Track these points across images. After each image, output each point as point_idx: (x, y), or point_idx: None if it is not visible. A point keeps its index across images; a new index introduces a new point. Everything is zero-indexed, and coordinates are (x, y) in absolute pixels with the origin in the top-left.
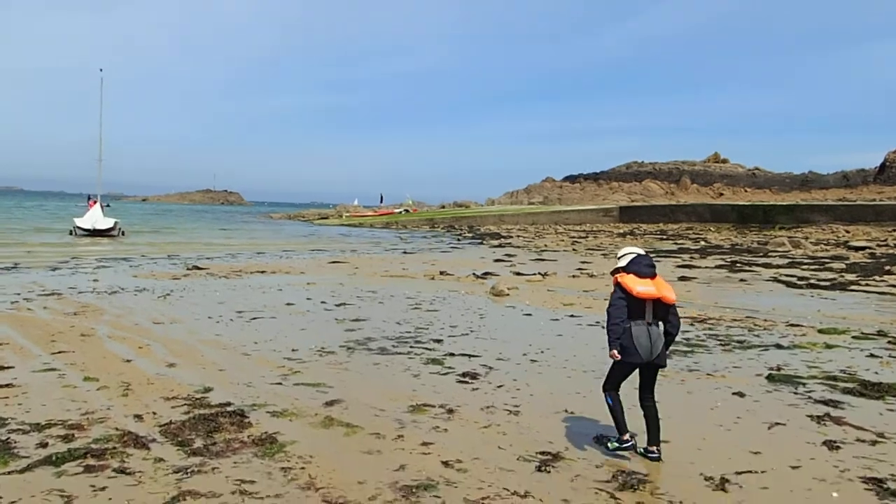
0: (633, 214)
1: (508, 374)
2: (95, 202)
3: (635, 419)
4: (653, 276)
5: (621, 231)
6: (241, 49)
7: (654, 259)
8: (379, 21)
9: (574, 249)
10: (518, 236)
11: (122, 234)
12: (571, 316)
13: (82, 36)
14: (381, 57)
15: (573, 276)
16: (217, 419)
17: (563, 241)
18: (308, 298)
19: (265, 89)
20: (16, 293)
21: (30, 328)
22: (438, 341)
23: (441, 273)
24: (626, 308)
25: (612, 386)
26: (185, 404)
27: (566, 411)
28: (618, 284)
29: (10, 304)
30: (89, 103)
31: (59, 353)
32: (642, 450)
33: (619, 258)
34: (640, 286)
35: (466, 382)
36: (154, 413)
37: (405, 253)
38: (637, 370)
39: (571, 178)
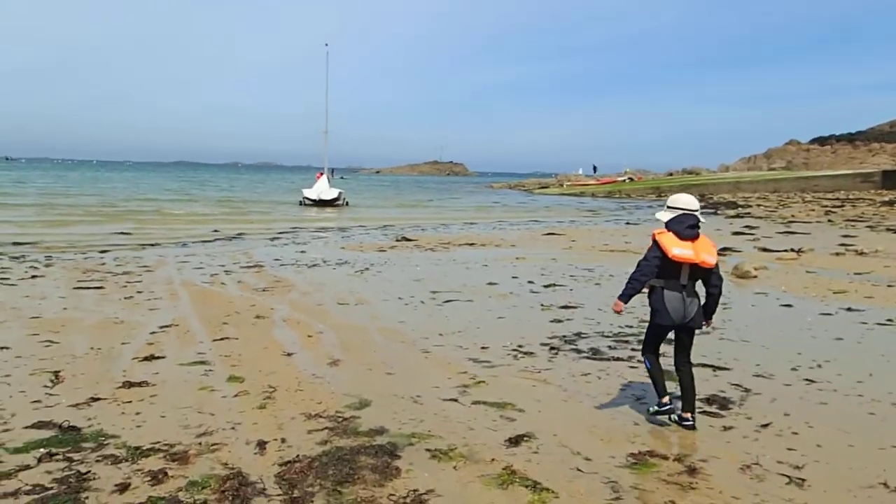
0: None
1: (775, 404)
2: (322, 174)
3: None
4: (694, 237)
5: (886, 199)
6: (469, 24)
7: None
8: None
9: (830, 221)
10: (758, 205)
11: (346, 203)
12: (848, 310)
13: (310, 14)
14: (600, 22)
15: (836, 254)
16: (357, 459)
17: (813, 210)
18: (514, 277)
19: (491, 61)
20: (220, 265)
21: (210, 306)
22: (667, 342)
23: None
24: (657, 268)
25: (649, 349)
26: (326, 428)
27: (885, 485)
28: (655, 242)
29: (209, 276)
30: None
31: (222, 339)
32: (677, 416)
33: (665, 208)
34: (676, 248)
35: (713, 415)
36: (283, 440)
37: (628, 224)
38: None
39: (821, 140)
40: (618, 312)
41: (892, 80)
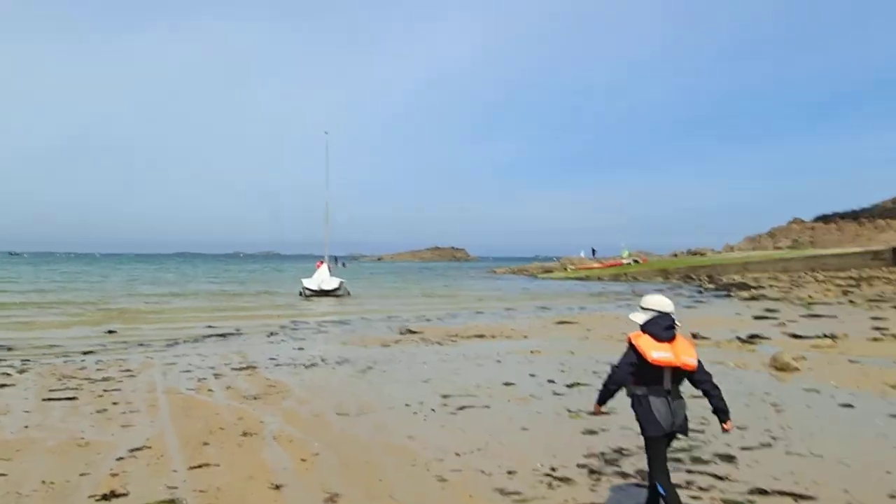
0: None
1: None
2: (322, 262)
3: None
4: (671, 339)
5: None
6: (465, 105)
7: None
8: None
9: (851, 302)
10: (771, 286)
11: (348, 293)
12: None
13: (311, 103)
14: (592, 99)
15: (874, 340)
16: None
17: (829, 290)
18: (531, 375)
19: (488, 141)
20: (210, 367)
21: (193, 420)
22: (728, 458)
23: (693, 336)
24: (630, 375)
25: (658, 472)
26: None
27: None
28: (631, 346)
29: (196, 381)
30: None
31: (200, 466)
32: None
33: (641, 308)
34: (655, 352)
35: None
36: None
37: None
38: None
39: (825, 218)
40: (597, 413)
41: (893, 154)
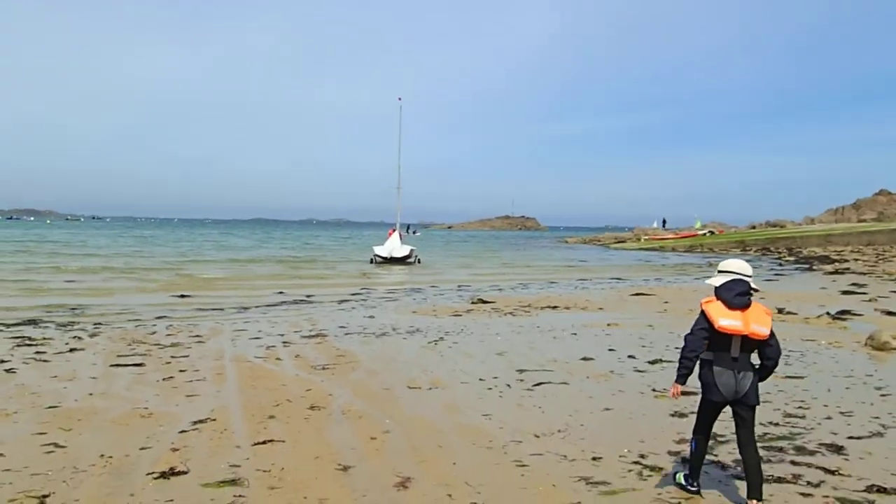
0: None
1: None
2: (394, 230)
3: None
4: (745, 306)
5: None
6: (540, 76)
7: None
8: (665, 41)
9: None
10: (855, 260)
11: (419, 261)
12: None
13: (386, 70)
14: (667, 78)
15: None
16: None
17: None
18: (610, 349)
19: (559, 115)
20: (280, 334)
21: (259, 391)
22: (836, 449)
23: (779, 311)
24: (705, 340)
25: (699, 429)
26: None
27: None
28: (702, 312)
29: (264, 349)
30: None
31: (265, 442)
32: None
33: (718, 272)
34: (723, 319)
35: None
36: None
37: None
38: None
39: None
40: (674, 396)
41: None
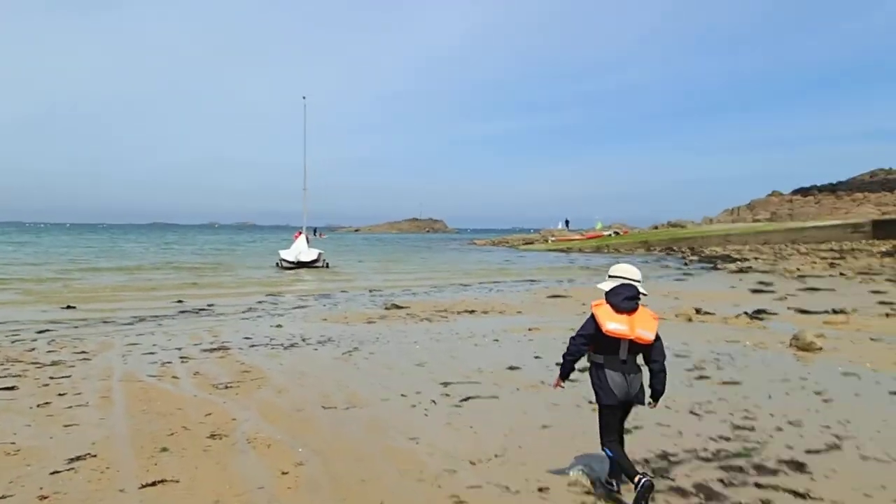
0: (890, 229)
1: None
2: (301, 233)
3: None
4: (632, 310)
5: (883, 249)
6: (448, 77)
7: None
8: (566, 44)
9: (842, 274)
10: (755, 258)
11: (327, 265)
12: None
13: (298, 77)
14: (570, 79)
15: (886, 315)
16: None
17: (815, 263)
18: (536, 356)
19: (468, 116)
20: (177, 347)
21: (150, 418)
22: (797, 466)
23: (696, 311)
24: (586, 345)
25: (607, 436)
26: None
27: None
28: (591, 315)
29: (159, 366)
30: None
31: (155, 484)
32: (604, 481)
33: (609, 277)
34: (610, 323)
35: None
36: None
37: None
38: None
39: (803, 191)
40: (556, 387)
41: (869, 130)
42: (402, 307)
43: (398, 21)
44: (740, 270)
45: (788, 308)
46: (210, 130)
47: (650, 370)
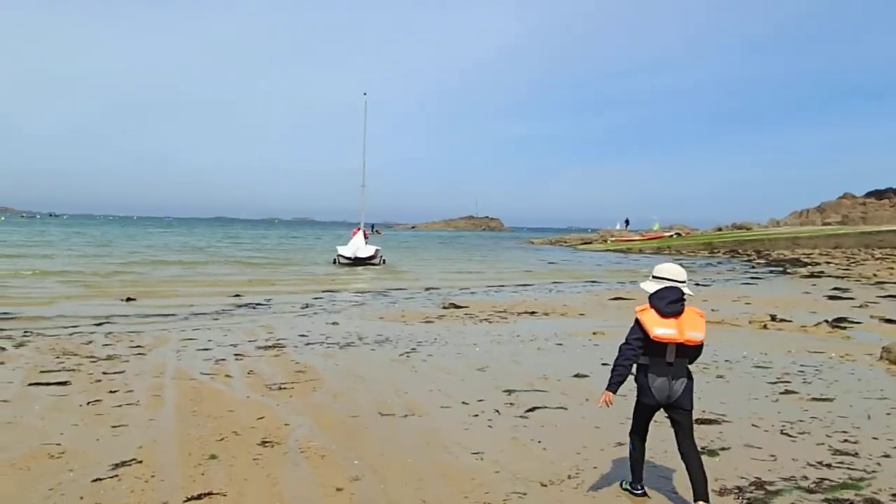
0: None
1: None
2: (359, 230)
3: None
4: (678, 313)
5: None
6: (504, 75)
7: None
8: (622, 45)
9: None
10: (827, 263)
11: (384, 262)
12: None
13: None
14: (632, 77)
15: None
16: None
17: (893, 269)
18: (604, 363)
19: (524, 115)
20: (232, 344)
21: (201, 420)
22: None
23: (772, 318)
24: (640, 350)
25: (635, 431)
26: None
27: None
28: (637, 321)
29: (213, 363)
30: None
31: (200, 497)
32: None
33: (653, 278)
34: (658, 328)
35: None
36: None
37: (698, 286)
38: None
39: (877, 193)
40: (606, 404)
41: None
42: (460, 307)
43: (448, 19)
44: (812, 275)
45: (871, 317)
46: (272, 130)
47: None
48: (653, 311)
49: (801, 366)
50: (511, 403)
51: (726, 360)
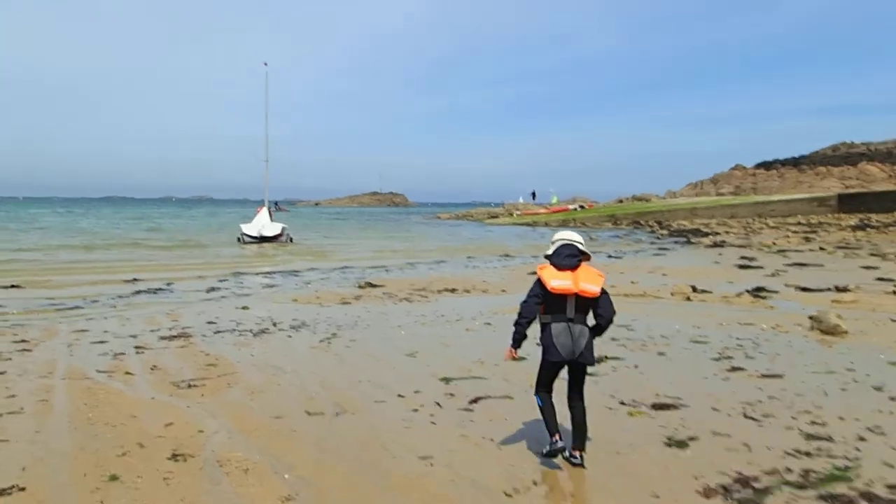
0: (856, 203)
1: None
2: (263, 207)
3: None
4: (573, 266)
5: (852, 223)
6: (407, 49)
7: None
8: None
9: (822, 249)
10: (726, 232)
11: (291, 240)
12: None
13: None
14: (535, 50)
15: (893, 293)
16: None
17: (788, 238)
18: (538, 344)
19: (426, 89)
20: (132, 335)
21: (98, 430)
22: None
23: (693, 289)
24: (538, 305)
25: (541, 387)
26: None
27: None
28: (537, 278)
29: (110, 358)
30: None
31: None
32: (567, 454)
33: (551, 243)
34: (554, 280)
35: None
36: None
37: (611, 257)
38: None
39: (766, 165)
40: (508, 359)
41: (829, 105)
42: (377, 286)
43: None
44: (715, 245)
45: (787, 285)
46: (162, 100)
47: (597, 323)
48: (551, 266)
49: (738, 339)
50: (451, 394)
51: (662, 336)
